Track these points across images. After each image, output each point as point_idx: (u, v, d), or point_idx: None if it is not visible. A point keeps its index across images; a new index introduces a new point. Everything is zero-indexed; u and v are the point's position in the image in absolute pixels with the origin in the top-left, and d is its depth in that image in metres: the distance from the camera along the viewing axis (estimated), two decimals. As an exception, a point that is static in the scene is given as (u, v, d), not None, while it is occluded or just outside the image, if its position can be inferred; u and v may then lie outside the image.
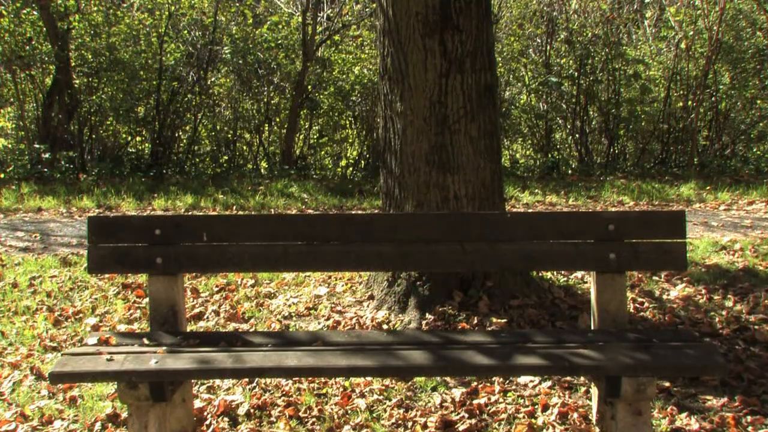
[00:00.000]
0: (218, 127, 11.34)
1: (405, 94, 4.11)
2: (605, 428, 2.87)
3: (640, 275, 4.85)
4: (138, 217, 3.11)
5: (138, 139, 11.10)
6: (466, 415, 3.15)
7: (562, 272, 4.81)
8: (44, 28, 10.15)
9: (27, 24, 10.19)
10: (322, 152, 11.77)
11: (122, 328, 4.18)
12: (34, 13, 10.14)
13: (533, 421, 3.13)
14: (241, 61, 10.80)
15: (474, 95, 4.08)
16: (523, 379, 3.49)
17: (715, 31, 10.27)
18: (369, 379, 3.45)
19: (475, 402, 3.26)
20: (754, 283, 4.73)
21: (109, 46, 10.24)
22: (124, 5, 11.25)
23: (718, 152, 11.18)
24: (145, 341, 2.87)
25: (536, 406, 3.25)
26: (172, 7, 10.48)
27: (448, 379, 3.48)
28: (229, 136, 11.35)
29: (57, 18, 10.16)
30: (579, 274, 4.85)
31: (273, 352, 2.75)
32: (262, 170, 11.00)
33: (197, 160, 11.15)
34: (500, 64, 10.85)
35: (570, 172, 10.59)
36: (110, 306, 4.59)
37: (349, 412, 3.23)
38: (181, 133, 11.22)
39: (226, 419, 3.19)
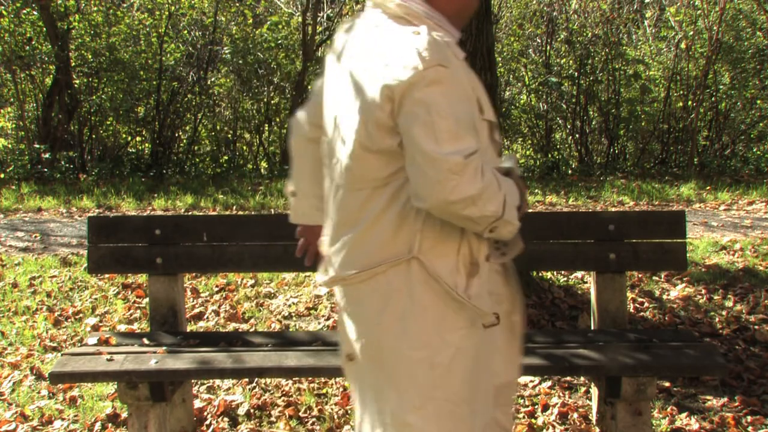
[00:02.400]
0: (218, 127, 11.33)
1: (405, 94, 4.11)
2: (605, 428, 2.87)
3: (640, 275, 4.85)
4: (138, 217, 3.11)
5: (138, 139, 11.10)
6: (466, 415, 3.15)
7: (562, 272, 4.81)
8: (44, 28, 10.14)
9: (27, 24, 10.19)
10: (322, 152, 11.76)
11: (122, 328, 4.18)
12: (34, 13, 10.14)
13: (533, 421, 3.13)
14: (241, 61, 10.80)
15: (474, 95, 4.08)
16: (523, 379, 3.49)
17: (715, 31, 10.27)
18: (369, 379, 3.44)
19: (475, 402, 3.26)
20: (754, 283, 4.73)
21: (109, 46, 10.24)
22: (124, 5, 11.25)
23: (718, 152, 11.17)
24: (145, 341, 2.87)
25: (536, 406, 3.25)
26: (172, 7, 10.47)
27: (448, 379, 3.48)
28: (229, 136, 11.35)
29: (57, 18, 10.16)
30: (579, 274, 4.85)
31: (273, 352, 2.75)
32: (262, 170, 11.00)
33: (197, 160, 11.14)
34: (500, 64, 10.85)
35: (570, 172, 10.59)
36: (110, 306, 4.59)
37: (349, 412, 3.23)
38: (181, 133, 11.21)
39: (226, 419, 3.19)
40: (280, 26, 11.09)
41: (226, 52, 10.86)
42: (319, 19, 11.06)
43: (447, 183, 1.64)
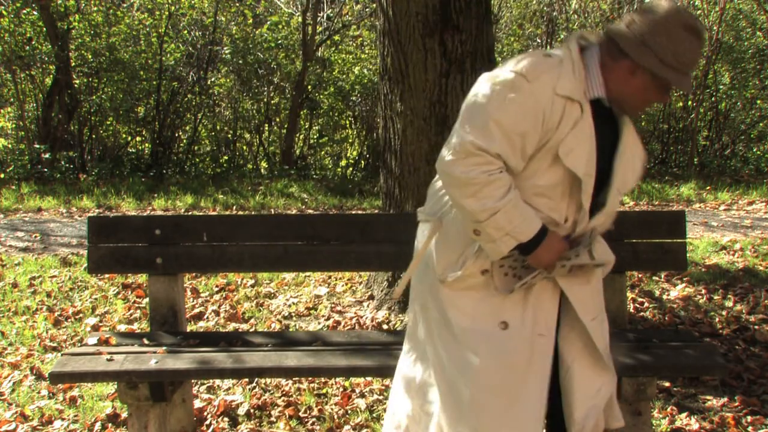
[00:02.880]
0: (218, 127, 11.34)
1: (405, 94, 4.11)
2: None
3: (640, 275, 4.85)
4: (138, 217, 3.11)
5: (138, 139, 11.11)
6: (466, 415, 3.15)
7: (562, 272, 4.80)
8: (44, 28, 10.15)
9: (27, 24, 10.19)
10: (322, 152, 11.77)
11: (122, 328, 4.18)
12: (34, 13, 10.14)
13: (533, 421, 3.12)
14: (241, 61, 10.80)
15: (474, 95, 4.08)
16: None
17: (715, 31, 10.27)
18: (369, 379, 3.45)
19: (475, 402, 3.26)
20: (754, 283, 4.73)
21: (109, 46, 10.24)
22: (124, 5, 11.25)
23: (718, 152, 11.18)
24: (145, 341, 2.87)
25: (536, 406, 3.24)
26: (172, 7, 10.48)
27: (448, 379, 3.47)
28: (229, 136, 11.35)
29: (57, 18, 10.16)
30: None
31: (273, 352, 2.75)
32: (262, 170, 11.00)
33: (197, 160, 11.15)
34: (500, 64, 10.84)
35: (570, 172, 10.59)
36: (110, 306, 4.59)
37: (349, 412, 3.23)
38: (181, 133, 11.22)
39: (226, 419, 3.19)
40: (280, 26, 11.09)
41: (226, 52, 10.86)
42: (319, 19, 11.06)
43: (448, 152, 1.88)
